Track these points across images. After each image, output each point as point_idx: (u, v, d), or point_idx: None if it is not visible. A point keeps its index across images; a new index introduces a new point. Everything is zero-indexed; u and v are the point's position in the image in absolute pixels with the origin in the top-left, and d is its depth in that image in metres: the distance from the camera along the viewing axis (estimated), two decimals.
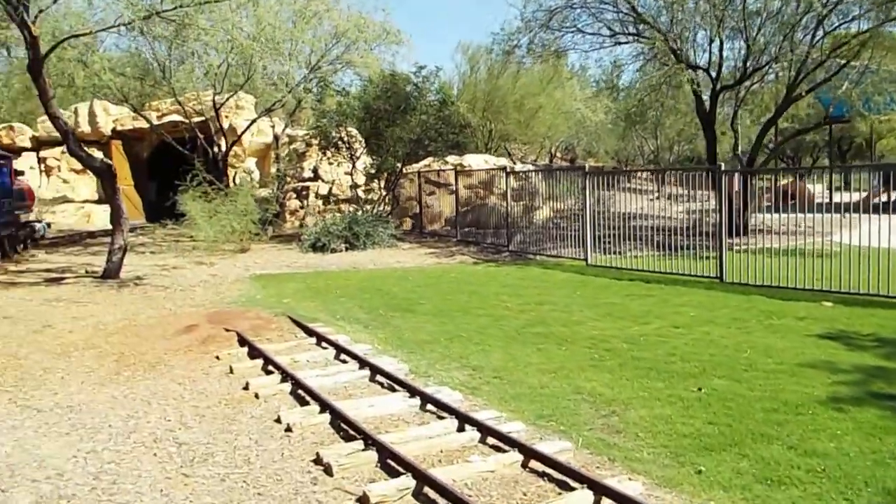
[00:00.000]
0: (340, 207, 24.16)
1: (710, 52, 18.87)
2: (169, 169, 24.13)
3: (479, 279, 12.73)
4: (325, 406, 5.56)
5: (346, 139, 19.65)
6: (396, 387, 6.23)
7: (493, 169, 20.77)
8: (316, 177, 25.10)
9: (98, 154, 27.53)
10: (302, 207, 24.73)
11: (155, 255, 17.15)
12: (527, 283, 12.14)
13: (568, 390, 6.26)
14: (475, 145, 26.18)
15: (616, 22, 18.92)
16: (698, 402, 5.82)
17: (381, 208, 20.27)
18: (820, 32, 17.32)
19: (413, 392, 5.94)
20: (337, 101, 18.62)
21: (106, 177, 12.44)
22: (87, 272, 14.31)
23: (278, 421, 5.44)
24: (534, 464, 4.56)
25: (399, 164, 19.43)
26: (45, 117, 27.92)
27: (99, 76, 14.93)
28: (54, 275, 13.99)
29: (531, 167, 24.35)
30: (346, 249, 16.79)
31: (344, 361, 7.15)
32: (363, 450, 4.71)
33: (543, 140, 28.99)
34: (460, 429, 5.18)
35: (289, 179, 24.42)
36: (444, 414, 5.51)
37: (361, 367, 6.79)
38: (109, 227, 26.32)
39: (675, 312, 9.40)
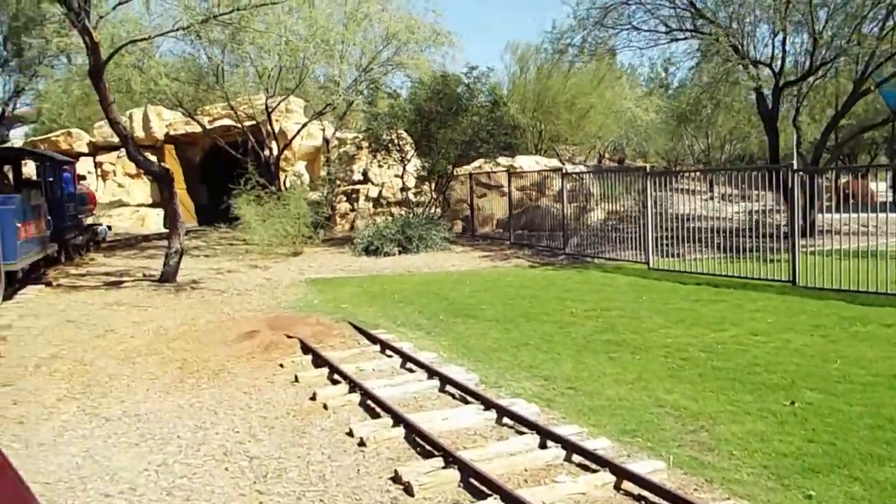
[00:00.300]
0: (391, 210, 24.07)
1: (773, 47, 18.24)
2: (220, 173, 24.31)
3: (538, 283, 12.42)
4: (398, 419, 5.33)
5: (396, 141, 19.51)
6: (469, 398, 5.98)
7: (547, 170, 20.42)
8: (366, 180, 25.05)
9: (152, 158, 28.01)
10: (352, 210, 24.69)
11: (209, 258, 17.23)
12: (588, 288, 11.79)
13: (648, 403, 5.93)
14: (525, 146, 25.84)
15: (672, 18, 18.44)
16: (793, 417, 5.45)
17: (432, 211, 20.07)
18: (890, 23, 16.56)
19: (487, 404, 5.69)
20: (388, 104, 18.48)
21: (163, 181, 12.48)
22: (144, 276, 14.40)
23: (350, 434, 5.23)
24: (627, 485, 4.27)
25: (450, 167, 19.20)
26: (102, 123, 28.51)
27: (155, 81, 15.05)
28: (113, 278, 14.11)
29: (583, 168, 23.91)
30: (399, 253, 16.63)
31: (411, 370, 6.93)
32: (443, 467, 4.47)
33: (593, 140, 28.47)
34: (542, 445, 4.91)
35: (339, 182, 24.37)
36: (523, 428, 5.24)
37: (430, 377, 6.55)
38: (163, 230, 26.75)
39: (751, 319, 8.96)
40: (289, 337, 8.09)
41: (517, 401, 5.88)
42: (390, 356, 7.40)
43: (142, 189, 28.45)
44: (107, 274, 14.77)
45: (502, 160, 21.35)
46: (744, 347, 7.54)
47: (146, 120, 28.03)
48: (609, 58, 22.31)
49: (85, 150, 28.33)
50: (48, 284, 12.99)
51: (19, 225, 10.89)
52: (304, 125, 21.16)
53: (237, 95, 19.88)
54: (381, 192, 24.10)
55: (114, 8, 11.28)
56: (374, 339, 8.04)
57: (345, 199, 24.22)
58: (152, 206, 28.51)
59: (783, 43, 17.72)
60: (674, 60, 22.24)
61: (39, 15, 19.99)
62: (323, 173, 24.82)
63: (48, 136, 27.73)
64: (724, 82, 20.22)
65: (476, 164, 22.26)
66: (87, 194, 18.95)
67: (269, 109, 19.39)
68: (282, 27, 12.76)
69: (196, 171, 29.50)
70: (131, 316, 10.16)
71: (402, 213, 23.00)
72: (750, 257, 12.84)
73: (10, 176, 13.13)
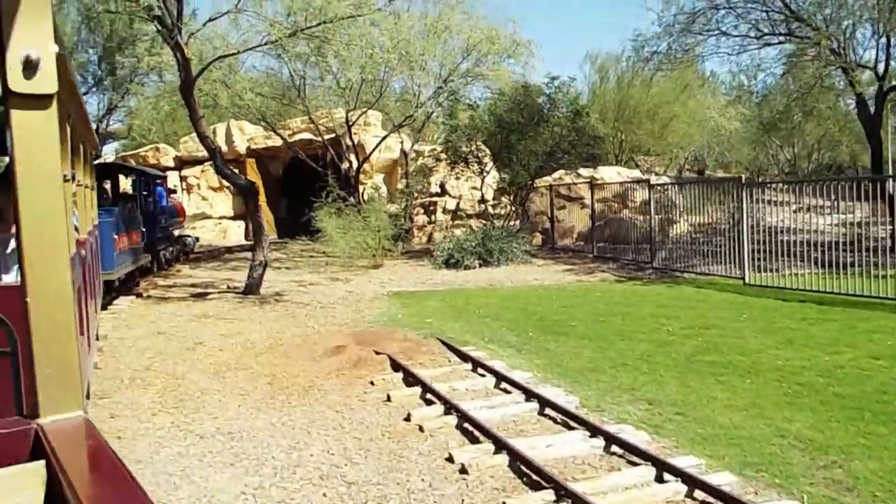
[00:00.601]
0: (468, 223, 23.88)
1: (877, 49, 17.23)
2: (300, 186, 24.63)
3: (628, 299, 11.93)
4: (499, 444, 5.04)
5: (475, 153, 19.30)
6: (571, 423, 5.64)
7: (631, 181, 19.84)
8: (443, 192, 24.96)
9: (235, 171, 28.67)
10: (430, 223, 24.62)
11: (290, 270, 17.35)
12: (682, 304, 11.24)
13: (768, 432, 5.47)
14: (605, 157, 25.26)
15: (765, 22, 17.62)
16: None
17: (511, 223, 19.76)
18: None
19: (593, 430, 5.34)
20: (469, 115, 18.30)
21: (249, 194, 12.59)
22: (228, 287, 14.58)
23: (450, 460, 4.96)
24: None
25: (530, 178, 18.88)
26: (187, 138, 29.36)
27: (240, 96, 15.27)
28: (199, 290, 14.32)
29: (667, 179, 23.18)
30: (480, 266, 16.37)
31: (506, 391, 6.62)
32: (555, 501, 4.16)
33: (676, 151, 27.61)
34: (659, 478, 4.53)
35: (416, 195, 24.36)
36: (635, 458, 4.87)
37: (528, 399, 6.23)
38: (244, 241, 27.27)
39: (868, 340, 8.31)
40: (377, 353, 7.90)
41: (624, 427, 5.50)
42: (483, 375, 7.12)
43: (224, 202, 29.12)
44: (193, 285, 15.01)
45: (583, 171, 20.86)
46: (867, 373, 6.94)
47: (229, 134, 28.71)
48: (697, 64, 21.57)
49: (171, 164, 29.20)
50: (139, 296, 13.28)
51: (116, 236, 11.27)
52: (384, 138, 21.23)
53: (317, 109, 20.08)
54: (458, 204, 23.95)
55: (204, 24, 11.47)
56: (464, 357, 7.77)
57: (422, 211, 24.17)
58: (234, 218, 29.16)
59: (887, 45, 16.71)
60: (763, 66, 21.16)
61: (132, 35, 20.70)
62: (400, 186, 24.88)
63: (137, 151, 28.75)
64: (817, 88, 19.29)
65: (555, 175, 21.87)
66: (177, 207, 19.54)
67: (350, 122, 19.49)
68: (364, 40, 12.68)
69: (276, 184, 30.01)
70: (218, 328, 10.20)
71: (480, 225, 22.79)
72: (852, 272, 12.01)
73: (109, 190, 13.55)
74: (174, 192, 21.87)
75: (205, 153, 29.15)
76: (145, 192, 15.10)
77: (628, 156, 26.64)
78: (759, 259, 13.24)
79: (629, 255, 17.20)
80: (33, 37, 1.39)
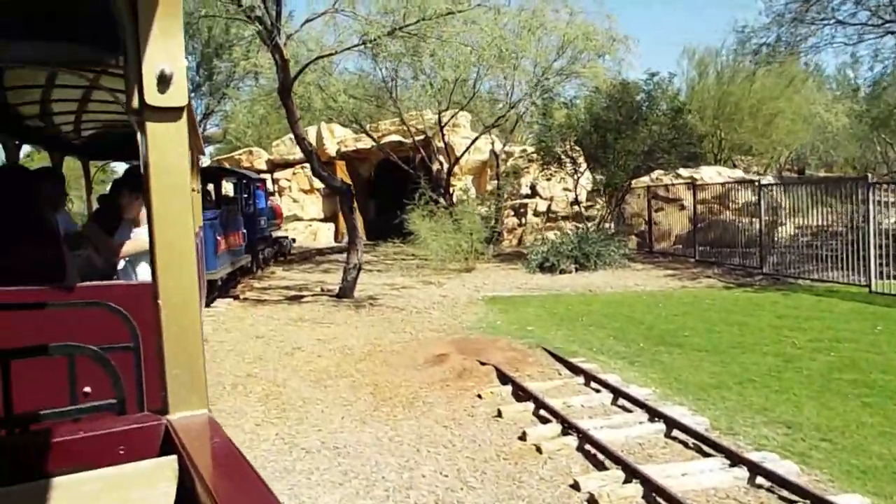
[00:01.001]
0: (559, 225, 23.28)
1: None
2: (389, 188, 24.63)
3: (742, 307, 11.16)
4: (630, 471, 4.57)
5: (570, 153, 18.70)
6: (705, 447, 5.11)
7: (734, 181, 18.81)
8: (534, 193, 24.42)
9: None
10: (520, 225, 24.12)
11: (382, 273, 17.22)
12: (804, 314, 10.39)
13: None
14: (703, 157, 24.13)
15: (886, 7, 16.35)
16: None
17: (606, 225, 19.06)
18: None
19: (732, 458, 4.79)
20: (566, 114, 17.72)
21: (344, 197, 12.47)
22: (322, 290, 14.53)
23: (575, 487, 4.53)
24: None
25: (628, 179, 18.16)
26: (279, 141, 29.88)
27: (334, 98, 15.22)
28: (293, 292, 14.32)
29: (770, 179, 21.94)
30: (576, 270, 15.80)
31: (625, 409, 6.13)
32: None
33: (779, 149, 26.07)
34: None
35: (506, 196, 23.93)
36: (786, 493, 4.32)
37: (652, 419, 5.72)
38: (334, 243, 27.46)
39: None
40: (482, 363, 7.52)
41: (767, 455, 4.93)
42: (598, 390, 6.63)
43: (314, 204, 29.43)
44: (287, 288, 15.05)
45: (682, 172, 19.95)
46: None
47: (319, 137, 28.98)
48: (801, 58, 20.31)
49: (263, 167, 29.74)
50: (235, 298, 13.37)
51: (219, 238, 11.58)
52: (475, 139, 20.90)
53: (408, 111, 19.92)
54: (549, 206, 23.37)
55: (302, 25, 11.43)
56: (575, 369, 7.30)
57: (512, 213, 23.71)
58: (324, 220, 29.45)
59: None
60: (881, 57, 19.67)
61: (228, 41, 21.08)
62: (490, 187, 24.48)
63: (231, 154, 29.42)
64: None
65: (652, 176, 20.99)
66: (276, 209, 20.17)
67: (442, 124, 19.23)
68: (460, 37, 12.36)
69: (365, 186, 30.13)
70: (315, 333, 10.06)
71: (573, 227, 22.16)
72: None
73: (212, 193, 13.94)
74: (273, 194, 22.73)
75: (296, 156, 29.74)
76: (245, 195, 15.48)
77: (728, 155, 25.38)
78: (884, 265, 12.20)
79: (735, 260, 16.24)
80: (167, 52, 1.44)
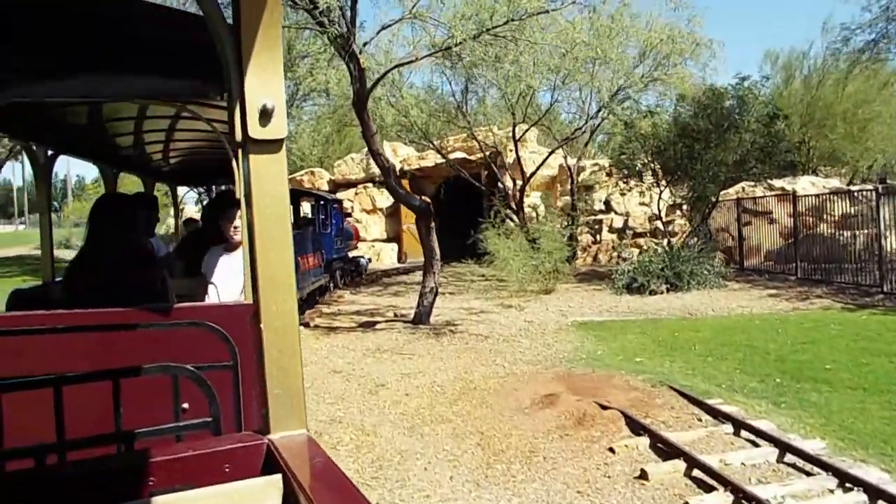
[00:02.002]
0: (636, 242, 22.03)
1: None
2: (452, 207, 23.85)
3: (879, 334, 9.79)
4: None
5: (651, 166, 17.48)
6: None
7: (832, 192, 17.30)
8: (608, 209, 23.25)
9: (386, 193, 28.25)
10: (594, 243, 22.96)
11: (454, 295, 16.28)
12: None
13: None
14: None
15: None
16: None
17: (692, 241, 17.72)
18: None
19: None
20: (651, 123, 16.54)
21: (424, 216, 11.57)
22: (396, 315, 13.66)
23: None
24: None
25: (718, 191, 16.86)
26: (340, 161, 29.35)
27: (405, 113, 14.41)
28: (365, 318, 13.49)
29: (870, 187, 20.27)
30: (667, 290, 14.56)
31: (800, 469, 4.99)
32: None
33: (875, 156, 24.15)
34: None
35: (579, 213, 22.81)
36: None
37: (843, 484, 4.58)
38: (398, 264, 26.69)
39: None
40: (603, 407, 6.45)
41: None
42: (755, 443, 5.50)
43: (377, 224, 28.74)
44: (357, 313, 14.24)
45: (775, 182, 18.53)
46: None
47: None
48: None
49: (325, 187, 29.24)
50: (306, 325, 12.58)
51: (299, 258, 11.63)
52: (551, 153, 19.87)
53: (479, 125, 19.05)
54: (626, 221, 22.15)
55: (378, 32, 10.63)
56: (715, 413, 6.18)
57: (586, 230, 22.54)
58: (387, 240, 28.73)
59: None
60: None
61: (290, 59, 20.59)
62: (560, 203, 23.39)
63: (293, 175, 29.01)
64: None
65: (737, 188, 19.59)
66: (352, 230, 20.36)
67: (516, 138, 18.27)
68: (549, 40, 11.42)
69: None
70: (397, 366, 9.13)
71: (652, 244, 20.92)
72: None
73: (291, 214, 13.86)
74: (349, 215, 22.80)
75: (358, 176, 29.19)
76: (323, 216, 15.52)
77: (816, 164, 23.71)
78: None
79: (844, 277, 14.74)
80: (268, 87, 1.52)
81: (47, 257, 4.70)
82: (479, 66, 11.51)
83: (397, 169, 28.32)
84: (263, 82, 1.51)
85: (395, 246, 28.41)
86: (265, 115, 1.50)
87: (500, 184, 20.19)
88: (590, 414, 6.30)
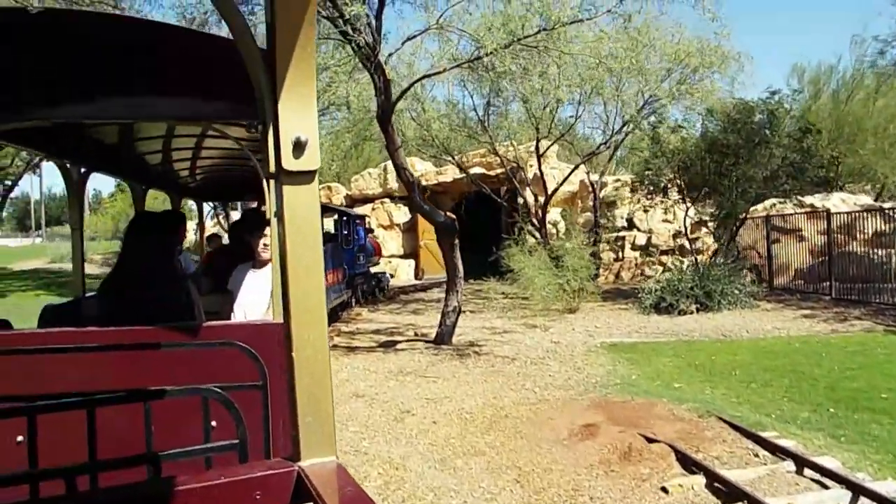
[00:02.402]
0: (661, 259, 21.53)
1: None
2: (471, 223, 23.41)
3: None
4: None
5: (679, 182, 17.00)
6: None
7: (865, 209, 16.78)
8: (630, 226, 22.76)
9: (404, 209, 27.92)
10: (616, 260, 22.45)
11: (475, 314, 15.85)
12: None
13: None
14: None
15: None
16: None
17: (720, 259, 17.19)
18: None
19: None
20: (681, 137, 16.08)
21: (447, 232, 11.17)
22: (416, 335, 13.25)
23: None
24: None
25: (747, 208, 16.37)
26: (358, 176, 29.10)
27: (428, 127, 14.06)
28: (384, 337, 13.11)
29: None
30: (697, 310, 14.06)
31: None
32: None
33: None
34: None
35: (601, 230, 22.34)
36: None
37: None
38: (414, 280, 26.28)
39: None
40: (648, 440, 6.00)
41: None
42: (824, 484, 5.03)
43: (394, 240, 28.40)
44: (377, 332, 13.85)
45: (806, 199, 18.02)
46: None
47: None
48: None
49: (342, 203, 28.97)
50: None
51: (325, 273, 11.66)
52: (575, 168, 19.47)
53: (501, 140, 18.68)
54: (650, 238, 21.66)
55: (403, 44, 10.30)
56: (773, 448, 5.71)
57: (608, 247, 22.05)
58: (403, 256, 28.35)
59: None
60: None
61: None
62: (581, 220, 22.92)
63: None
64: None
65: (765, 204, 19.06)
66: (374, 245, 20.24)
67: (540, 153, 17.89)
68: (580, 52, 11.05)
69: None
70: (422, 390, 8.72)
71: (676, 262, 20.45)
72: None
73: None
74: (372, 231, 22.61)
75: (376, 191, 28.86)
76: (345, 232, 15.58)
77: (844, 180, 23.12)
78: None
79: (883, 298, 14.19)
80: (302, 120, 1.55)
81: (78, 272, 4.72)
82: (506, 77, 11.13)
83: None
84: (298, 115, 1.54)
85: (412, 262, 28.02)
86: (299, 148, 1.53)
87: (520, 199, 19.76)
88: (636, 447, 5.84)
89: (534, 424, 6.93)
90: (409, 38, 10.02)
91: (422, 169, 28.08)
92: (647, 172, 17.16)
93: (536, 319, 14.39)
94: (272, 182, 1.62)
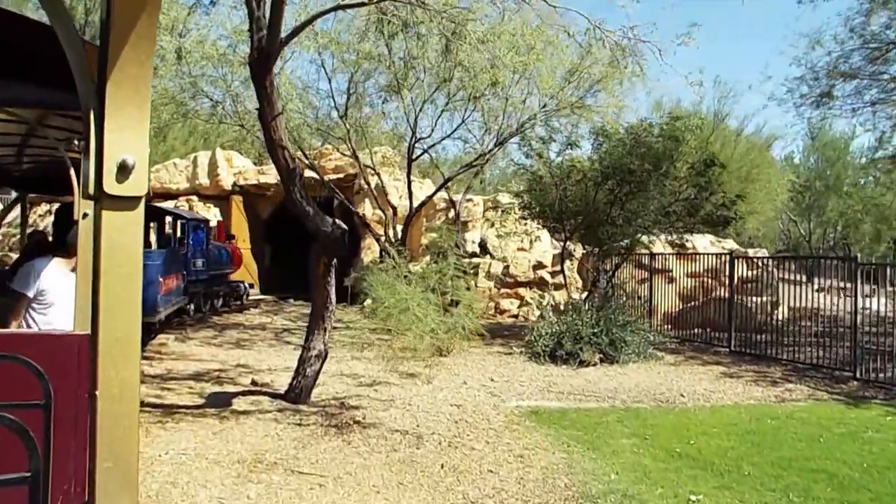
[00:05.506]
0: (517, 292, 19.40)
1: None
2: (287, 233, 20.92)
3: None
4: None
5: (559, 208, 14.69)
6: None
7: (727, 252, 15.69)
8: (483, 251, 20.40)
9: (214, 210, 23.57)
10: (467, 290, 19.89)
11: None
12: None
13: None
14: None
15: None
16: None
17: (584, 297, 15.19)
18: None
19: None
20: (575, 158, 13.88)
21: (332, 248, 7.80)
22: (255, 384, 9.65)
23: None
24: None
25: (647, 241, 14.58)
26: (161, 167, 24.23)
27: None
28: (210, 386, 9.46)
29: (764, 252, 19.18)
30: (601, 362, 11.79)
31: None
32: None
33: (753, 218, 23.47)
34: None
35: (448, 253, 19.69)
36: None
37: None
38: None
39: None
40: None
41: None
42: None
43: None
44: (197, 376, 10.09)
45: (678, 239, 16.71)
46: None
47: (213, 165, 23.83)
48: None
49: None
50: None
51: (161, 279, 11.20)
52: (442, 185, 16.73)
53: (359, 139, 15.48)
54: (507, 268, 19.41)
55: None
56: None
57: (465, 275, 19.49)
58: None
59: None
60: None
61: None
62: (425, 240, 20.23)
63: None
64: None
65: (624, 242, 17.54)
66: (230, 252, 19.09)
67: (411, 158, 14.91)
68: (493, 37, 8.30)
69: (262, 228, 25.24)
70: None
71: (536, 295, 18.42)
72: None
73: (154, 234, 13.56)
74: (232, 237, 21.09)
75: (181, 185, 24.17)
76: (185, 237, 14.82)
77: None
78: None
79: (785, 354, 12.78)
80: (130, 141, 1.43)
81: None
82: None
83: (230, 182, 23.86)
84: (126, 135, 1.40)
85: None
86: (124, 171, 1.40)
87: (376, 212, 16.67)
88: None
89: None
90: None
91: (240, 165, 24.07)
92: (529, 192, 14.81)
93: (408, 365, 11.31)
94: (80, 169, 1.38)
